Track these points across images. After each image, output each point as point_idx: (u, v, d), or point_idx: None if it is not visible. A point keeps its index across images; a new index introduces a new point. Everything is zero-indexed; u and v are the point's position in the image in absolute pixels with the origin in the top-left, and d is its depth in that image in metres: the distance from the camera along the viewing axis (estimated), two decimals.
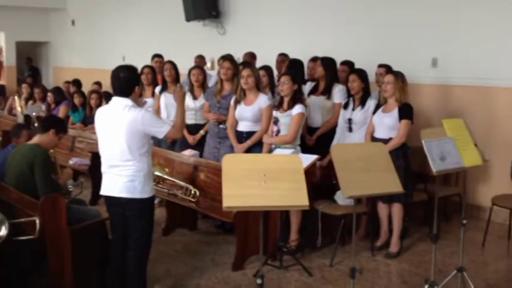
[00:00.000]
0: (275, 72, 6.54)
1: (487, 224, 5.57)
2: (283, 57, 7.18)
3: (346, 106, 5.61)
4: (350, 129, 5.51)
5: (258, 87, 5.49)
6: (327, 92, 5.89)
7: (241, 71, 5.50)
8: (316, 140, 5.80)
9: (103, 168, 3.98)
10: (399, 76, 5.11)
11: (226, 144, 5.70)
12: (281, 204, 3.00)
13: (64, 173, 4.92)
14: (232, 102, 5.56)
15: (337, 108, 5.81)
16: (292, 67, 6.10)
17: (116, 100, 3.90)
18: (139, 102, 4.29)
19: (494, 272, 4.94)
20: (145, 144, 3.89)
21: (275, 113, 5.27)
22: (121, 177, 3.83)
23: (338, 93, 5.86)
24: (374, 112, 5.30)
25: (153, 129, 3.86)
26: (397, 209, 5.18)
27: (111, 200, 3.95)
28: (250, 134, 5.49)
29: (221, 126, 5.76)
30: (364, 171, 3.28)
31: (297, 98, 5.20)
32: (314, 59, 6.49)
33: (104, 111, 4.00)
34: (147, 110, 4.09)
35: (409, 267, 4.98)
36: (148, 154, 3.94)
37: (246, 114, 5.46)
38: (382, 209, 5.25)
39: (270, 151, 5.21)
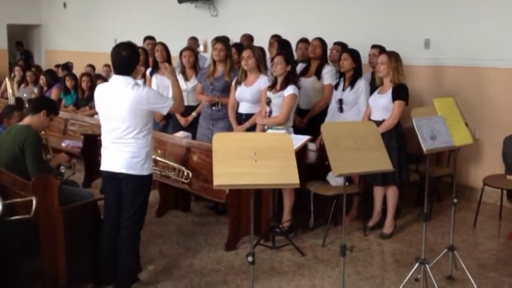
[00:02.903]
0: (267, 54, 6.51)
1: (478, 205, 5.62)
2: (276, 38, 7.15)
3: (336, 87, 5.60)
4: (341, 110, 5.50)
5: (259, 69, 5.47)
6: (318, 73, 5.88)
7: (243, 52, 5.48)
8: (307, 122, 5.79)
9: (104, 143, 3.98)
10: (393, 56, 5.05)
11: (219, 125, 5.71)
12: (271, 182, 3.00)
13: (59, 156, 4.90)
14: (233, 83, 5.56)
15: (327, 90, 5.81)
16: (283, 47, 6.07)
17: (116, 78, 3.88)
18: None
19: (485, 251, 4.98)
20: (148, 122, 3.91)
21: (268, 94, 5.27)
22: (124, 153, 3.85)
23: (327, 74, 5.86)
24: (371, 94, 5.29)
25: (158, 105, 3.88)
26: (392, 191, 5.20)
27: (109, 176, 3.96)
28: (249, 116, 5.49)
29: (214, 108, 5.75)
30: (354, 149, 3.29)
31: (289, 78, 5.19)
32: (304, 40, 6.46)
33: (105, 88, 3.99)
34: (149, 88, 4.08)
35: (401, 246, 5.02)
36: (151, 131, 3.96)
37: (245, 95, 5.45)
38: (378, 190, 5.27)
39: (264, 132, 5.20)
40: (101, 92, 4.00)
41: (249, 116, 5.49)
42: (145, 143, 3.88)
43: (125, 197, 3.96)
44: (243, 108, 5.54)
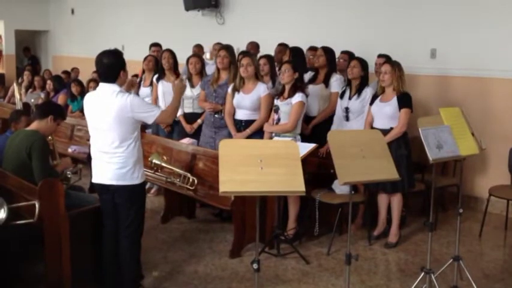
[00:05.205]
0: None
1: (484, 215, 5.60)
2: (282, 47, 7.17)
3: (342, 95, 5.61)
4: (347, 118, 5.51)
5: (257, 76, 5.49)
6: (327, 81, 5.89)
7: (241, 59, 5.49)
8: (312, 129, 5.79)
9: (93, 154, 3.97)
10: (396, 65, 5.11)
11: (222, 133, 5.69)
12: (277, 189, 3.00)
13: (63, 161, 4.91)
14: (229, 90, 5.56)
15: (334, 98, 5.80)
16: (293, 55, 6.08)
17: (102, 86, 3.86)
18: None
19: (491, 261, 4.96)
20: (135, 130, 3.86)
21: (276, 102, 5.29)
22: (111, 165, 3.82)
23: (335, 82, 5.84)
24: (371, 102, 5.29)
25: (143, 114, 3.81)
26: (397, 199, 5.19)
27: (101, 187, 3.95)
28: (248, 122, 5.49)
29: (217, 115, 5.75)
30: (360, 157, 3.29)
31: (297, 86, 5.20)
32: (313, 48, 6.49)
33: (91, 98, 3.95)
34: (135, 96, 4.02)
35: (405, 256, 5.01)
36: (138, 140, 3.91)
37: (245, 103, 5.45)
38: (382, 199, 5.27)
39: (271, 139, 5.21)
40: (89, 100, 3.96)
41: (248, 122, 5.49)
42: (132, 152, 3.84)
43: (119, 207, 3.94)
44: (242, 115, 5.53)
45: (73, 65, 11.42)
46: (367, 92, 5.44)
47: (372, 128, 5.18)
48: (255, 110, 5.46)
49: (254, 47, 7.55)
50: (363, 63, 5.47)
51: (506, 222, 5.76)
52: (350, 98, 5.50)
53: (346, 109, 5.49)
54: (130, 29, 11.32)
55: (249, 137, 5.40)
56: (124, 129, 3.79)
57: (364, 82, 5.50)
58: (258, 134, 5.43)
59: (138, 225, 4.04)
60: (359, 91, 5.46)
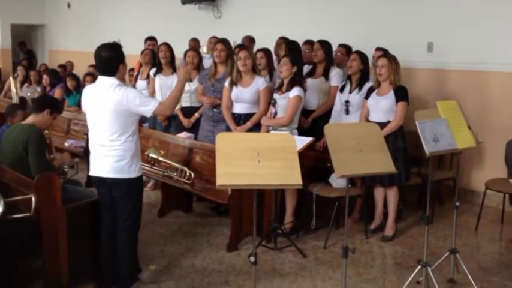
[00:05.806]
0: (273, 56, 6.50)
1: (480, 208, 5.61)
2: (281, 40, 7.15)
3: (342, 89, 5.60)
4: (347, 112, 5.50)
5: (254, 70, 5.48)
6: (325, 75, 5.87)
7: (239, 52, 5.47)
8: (311, 122, 5.79)
9: (91, 148, 3.95)
10: (392, 59, 5.12)
11: (220, 127, 5.68)
12: (274, 183, 3.00)
13: (62, 156, 4.90)
14: (226, 84, 5.54)
15: (334, 91, 5.79)
16: (290, 49, 6.08)
17: (101, 80, 3.84)
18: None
19: (487, 254, 4.98)
20: (133, 124, 3.84)
21: (274, 95, 5.28)
22: (108, 158, 3.81)
23: (335, 76, 5.83)
24: (367, 96, 5.29)
25: (140, 108, 3.78)
26: (393, 193, 5.20)
27: (99, 180, 3.94)
28: (247, 116, 5.48)
29: (215, 109, 5.74)
30: (357, 151, 3.29)
31: (295, 80, 5.19)
32: (308, 42, 6.48)
33: (90, 91, 3.94)
34: (132, 89, 3.99)
35: (402, 249, 5.02)
36: (136, 133, 3.90)
37: (244, 96, 5.44)
38: (379, 192, 5.28)
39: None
40: (87, 93, 3.95)
41: (247, 116, 5.48)
42: (130, 145, 3.83)
43: (117, 200, 3.93)
44: (241, 109, 5.51)
45: (69, 59, 11.39)
46: (368, 87, 5.42)
47: (368, 121, 5.19)
48: (254, 103, 5.45)
49: (249, 40, 7.54)
50: (362, 57, 5.46)
51: (503, 216, 5.78)
52: (350, 92, 5.49)
53: (346, 102, 5.47)
54: (127, 23, 11.28)
55: (249, 130, 5.39)
56: (122, 122, 3.78)
57: (364, 76, 5.48)
58: (257, 127, 5.42)
59: (136, 219, 4.04)
60: (360, 85, 5.45)
